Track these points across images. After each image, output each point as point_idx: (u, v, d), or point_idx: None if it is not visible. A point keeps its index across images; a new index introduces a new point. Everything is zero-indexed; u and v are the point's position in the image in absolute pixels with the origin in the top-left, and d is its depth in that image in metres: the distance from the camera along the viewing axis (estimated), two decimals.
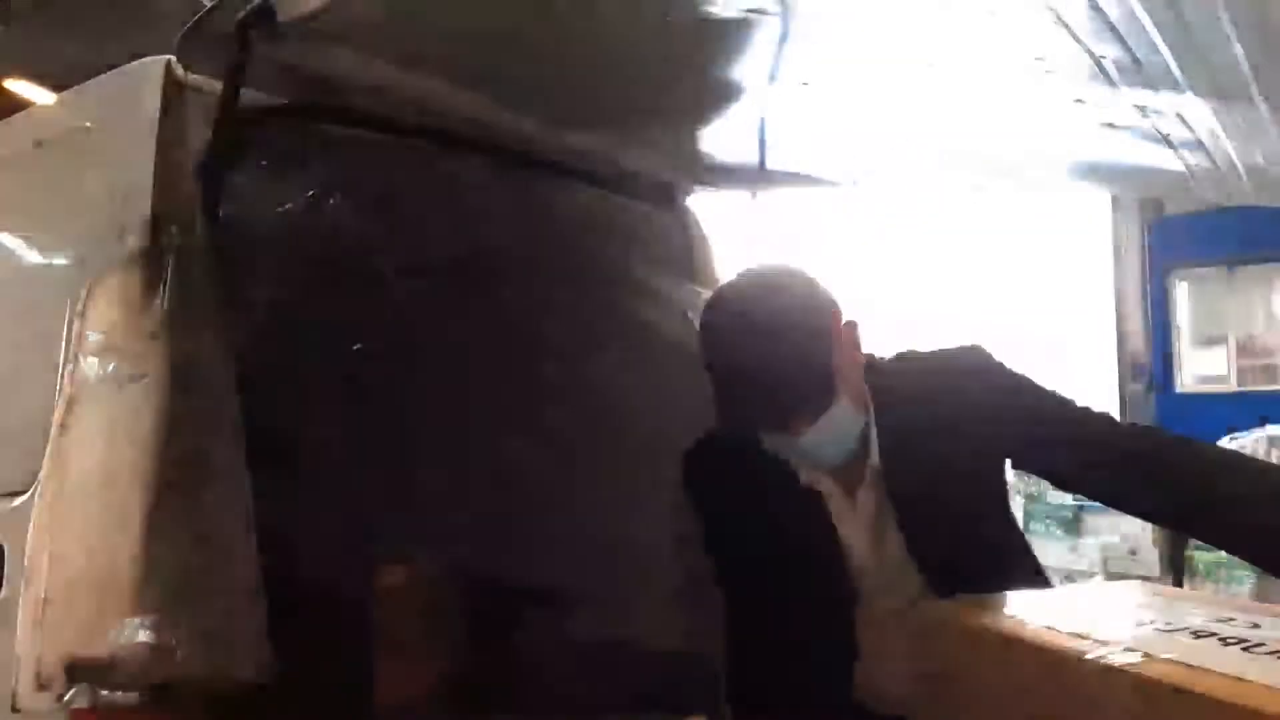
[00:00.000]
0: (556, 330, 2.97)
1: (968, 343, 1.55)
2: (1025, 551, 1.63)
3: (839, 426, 1.40)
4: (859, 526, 1.50)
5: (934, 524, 1.45)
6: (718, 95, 1.90)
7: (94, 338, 1.45)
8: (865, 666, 1.46)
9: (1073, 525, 5.61)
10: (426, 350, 3.01)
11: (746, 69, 1.78)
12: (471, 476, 3.21)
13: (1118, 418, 1.54)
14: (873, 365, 1.51)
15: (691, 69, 1.79)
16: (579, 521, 2.93)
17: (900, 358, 1.57)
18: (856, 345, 1.43)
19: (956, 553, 1.45)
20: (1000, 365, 1.53)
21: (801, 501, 1.49)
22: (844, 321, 1.42)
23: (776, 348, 1.35)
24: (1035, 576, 1.59)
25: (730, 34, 1.62)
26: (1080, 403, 1.49)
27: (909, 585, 1.46)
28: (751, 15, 1.53)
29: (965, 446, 1.45)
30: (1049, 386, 1.51)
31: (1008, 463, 1.56)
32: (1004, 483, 1.60)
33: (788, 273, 1.45)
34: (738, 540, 1.56)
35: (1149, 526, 5.37)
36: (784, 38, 1.60)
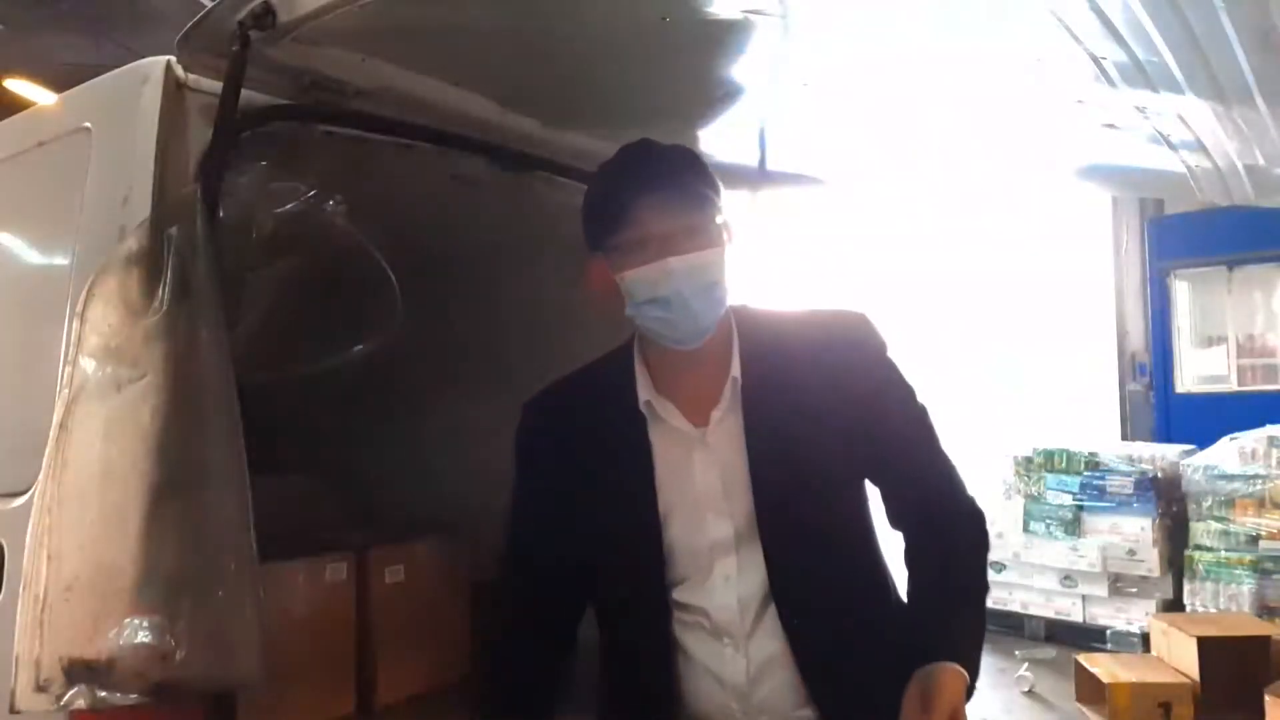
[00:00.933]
0: (553, 326, 2.98)
1: (850, 307, 1.50)
2: (878, 563, 1.52)
3: (717, 265, 1.36)
4: (708, 462, 1.42)
5: (784, 488, 1.39)
6: (718, 95, 1.90)
7: (93, 338, 1.45)
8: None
9: (1073, 525, 5.61)
10: (426, 347, 3.01)
11: (746, 69, 1.78)
12: (471, 473, 3.22)
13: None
14: (742, 308, 1.46)
15: (691, 69, 1.79)
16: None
17: (771, 307, 1.52)
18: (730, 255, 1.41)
19: (802, 534, 1.38)
20: (880, 343, 1.48)
21: (631, 434, 1.43)
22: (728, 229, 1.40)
23: (674, 157, 1.39)
24: (884, 599, 1.51)
25: (730, 34, 1.62)
26: (934, 441, 1.46)
27: (739, 545, 1.40)
28: (751, 15, 1.53)
29: (827, 418, 1.39)
30: (915, 394, 1.47)
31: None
32: (862, 485, 1.50)
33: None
34: (549, 503, 1.48)
35: (1149, 527, 5.37)
36: (784, 38, 1.60)
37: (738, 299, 1.44)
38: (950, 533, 1.43)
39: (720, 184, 1.42)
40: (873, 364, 1.46)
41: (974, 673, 1.30)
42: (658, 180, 1.36)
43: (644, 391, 1.44)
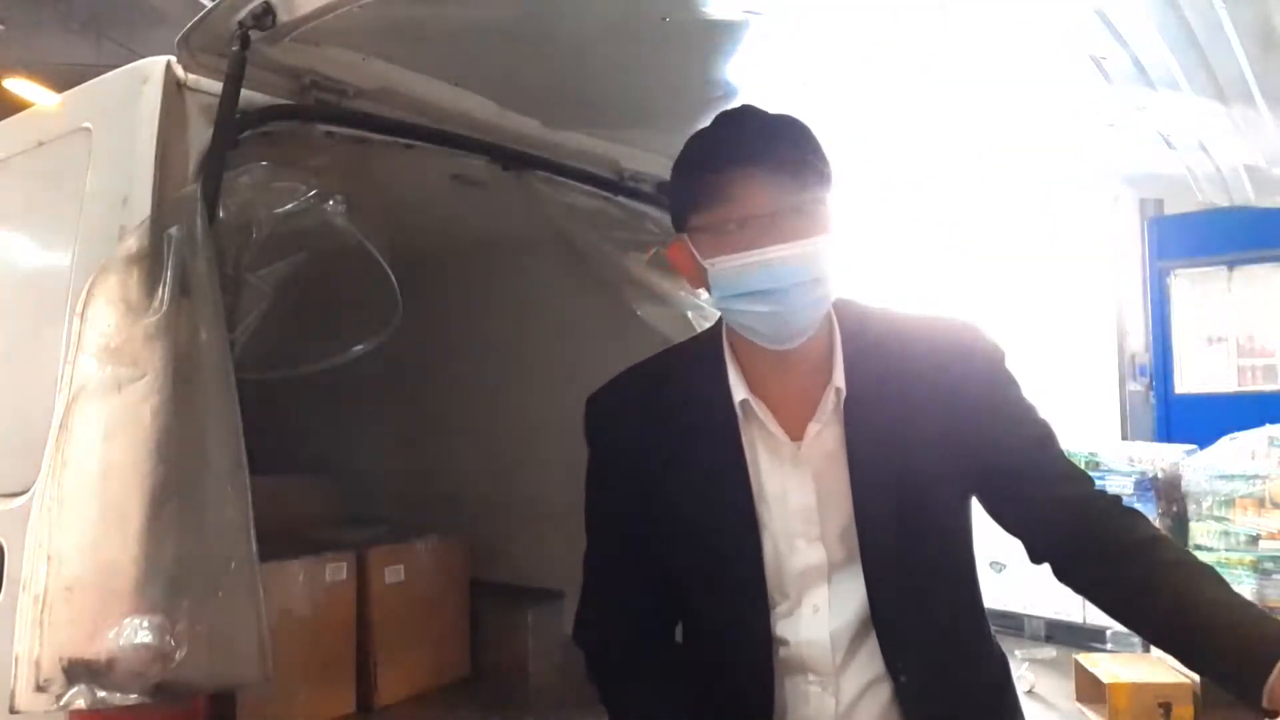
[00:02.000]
0: (553, 325, 2.98)
1: (963, 317, 1.34)
2: (979, 596, 1.37)
3: (823, 258, 1.17)
4: (803, 478, 1.25)
5: (891, 514, 1.23)
6: (717, 95, 1.89)
7: (93, 338, 1.44)
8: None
9: None
10: (426, 344, 3.01)
11: (746, 69, 1.78)
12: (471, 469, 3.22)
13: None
14: (846, 304, 1.30)
15: (691, 69, 1.79)
16: (575, 512, 2.94)
17: (870, 304, 1.34)
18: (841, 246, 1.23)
19: (908, 565, 1.24)
20: (997, 356, 1.32)
21: (725, 433, 1.25)
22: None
23: (784, 126, 1.20)
24: (986, 635, 1.37)
25: (730, 34, 1.62)
26: (1062, 455, 1.28)
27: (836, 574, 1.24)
28: (751, 15, 1.53)
29: (938, 438, 1.23)
30: (1036, 413, 1.31)
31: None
32: (969, 512, 1.33)
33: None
34: (634, 503, 1.31)
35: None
36: (784, 38, 1.60)
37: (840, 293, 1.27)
38: (1140, 533, 1.22)
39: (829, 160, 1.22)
40: (990, 380, 1.29)
41: None
42: (762, 151, 1.17)
43: (739, 389, 1.26)
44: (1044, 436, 1.30)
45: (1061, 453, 1.29)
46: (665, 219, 2.50)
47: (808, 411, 1.25)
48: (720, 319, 1.32)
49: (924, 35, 1.57)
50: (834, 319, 1.27)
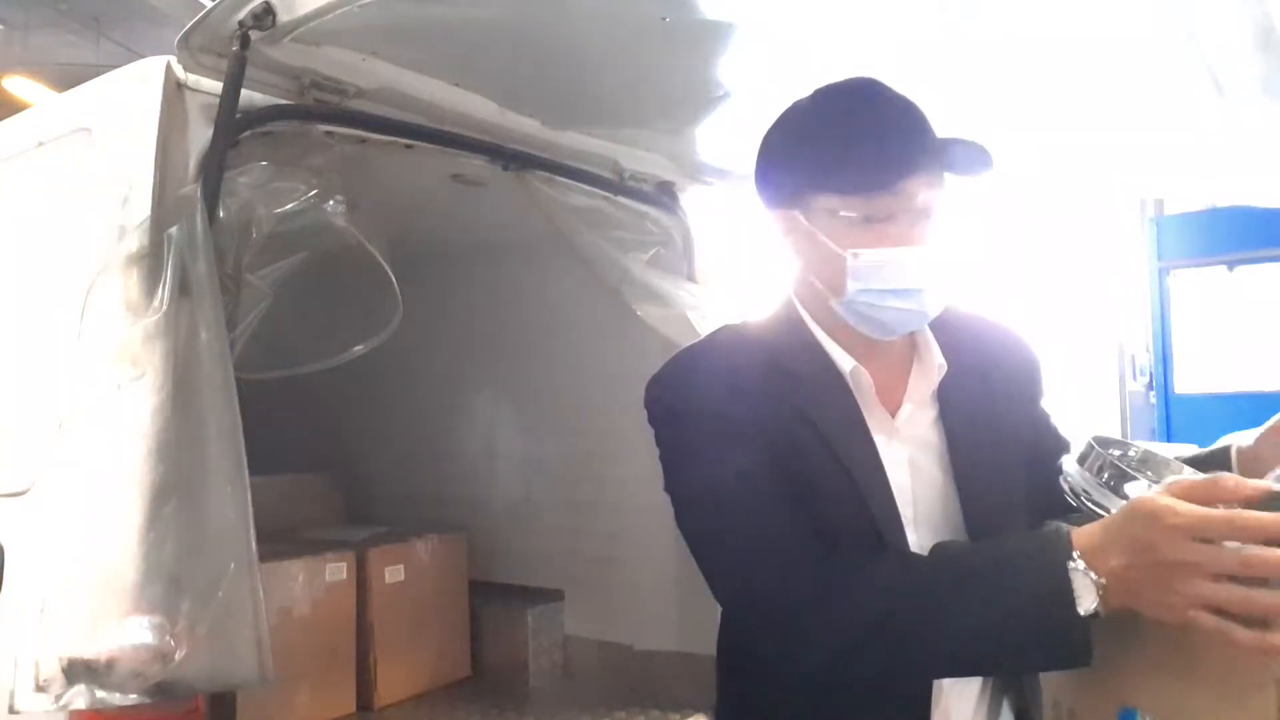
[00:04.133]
0: (558, 328, 2.98)
1: (1006, 317, 1.36)
2: None
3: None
4: (898, 457, 1.18)
5: (990, 500, 1.18)
6: (717, 95, 1.90)
7: (93, 338, 1.45)
8: None
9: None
10: (426, 346, 3.01)
11: (746, 69, 1.78)
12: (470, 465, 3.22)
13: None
14: None
15: (691, 69, 1.79)
16: (574, 511, 2.95)
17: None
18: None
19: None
20: (1041, 363, 1.38)
21: (836, 399, 1.16)
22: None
23: (914, 110, 1.13)
24: None
25: (730, 34, 1.62)
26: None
27: None
28: (751, 15, 1.53)
29: (1012, 431, 1.24)
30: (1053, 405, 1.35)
31: None
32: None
33: None
34: (762, 466, 1.12)
35: None
36: (784, 38, 1.60)
37: None
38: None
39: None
40: (1038, 385, 1.34)
41: None
42: (921, 146, 1.10)
43: (845, 359, 1.18)
44: (1060, 451, 1.29)
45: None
46: (665, 219, 2.52)
47: (898, 393, 1.21)
48: (789, 299, 1.26)
49: (924, 35, 1.57)
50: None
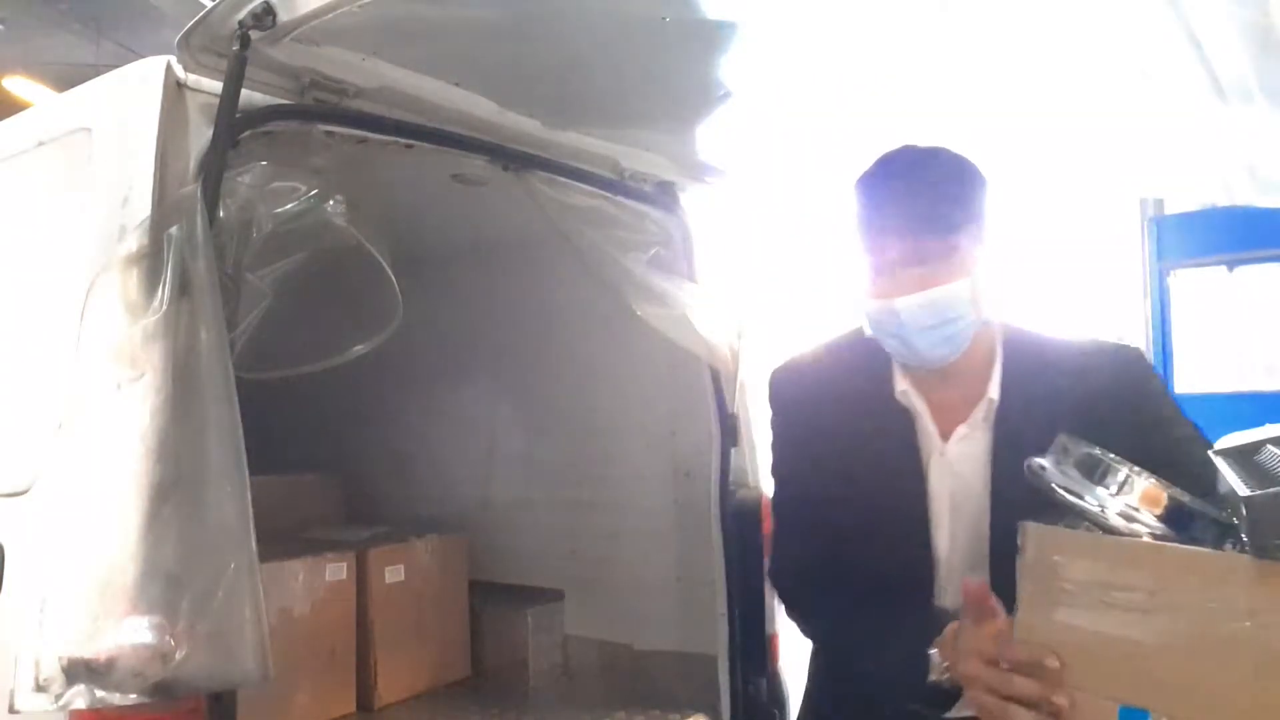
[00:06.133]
0: (557, 328, 2.98)
1: (1126, 342, 1.42)
2: None
3: (945, 304, 1.26)
4: (942, 473, 1.34)
5: (1017, 512, 1.21)
6: (718, 95, 1.90)
7: (93, 338, 1.45)
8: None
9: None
10: (426, 345, 3.01)
11: (747, 69, 1.78)
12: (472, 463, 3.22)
13: None
14: (1013, 326, 1.40)
15: (691, 69, 1.79)
16: (574, 511, 2.95)
17: (1037, 329, 1.43)
18: (993, 273, 1.32)
19: None
20: (1158, 381, 1.39)
21: (888, 416, 1.35)
22: (994, 247, 1.32)
23: (922, 175, 1.28)
24: None
25: (730, 34, 1.62)
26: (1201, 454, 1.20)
27: (964, 575, 1.26)
28: (751, 16, 1.53)
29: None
30: (1197, 438, 1.29)
31: None
32: None
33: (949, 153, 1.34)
34: (807, 464, 1.42)
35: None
36: (784, 38, 1.60)
37: (1004, 314, 1.38)
38: None
39: (982, 200, 1.31)
40: (1148, 406, 1.34)
41: None
42: (895, 206, 1.27)
43: (901, 382, 1.37)
44: (1187, 439, 1.30)
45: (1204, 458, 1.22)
46: (665, 219, 2.52)
47: (960, 417, 1.35)
48: None
49: (923, 35, 1.57)
50: (997, 337, 1.38)
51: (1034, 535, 1.05)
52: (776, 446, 1.51)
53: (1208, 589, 0.92)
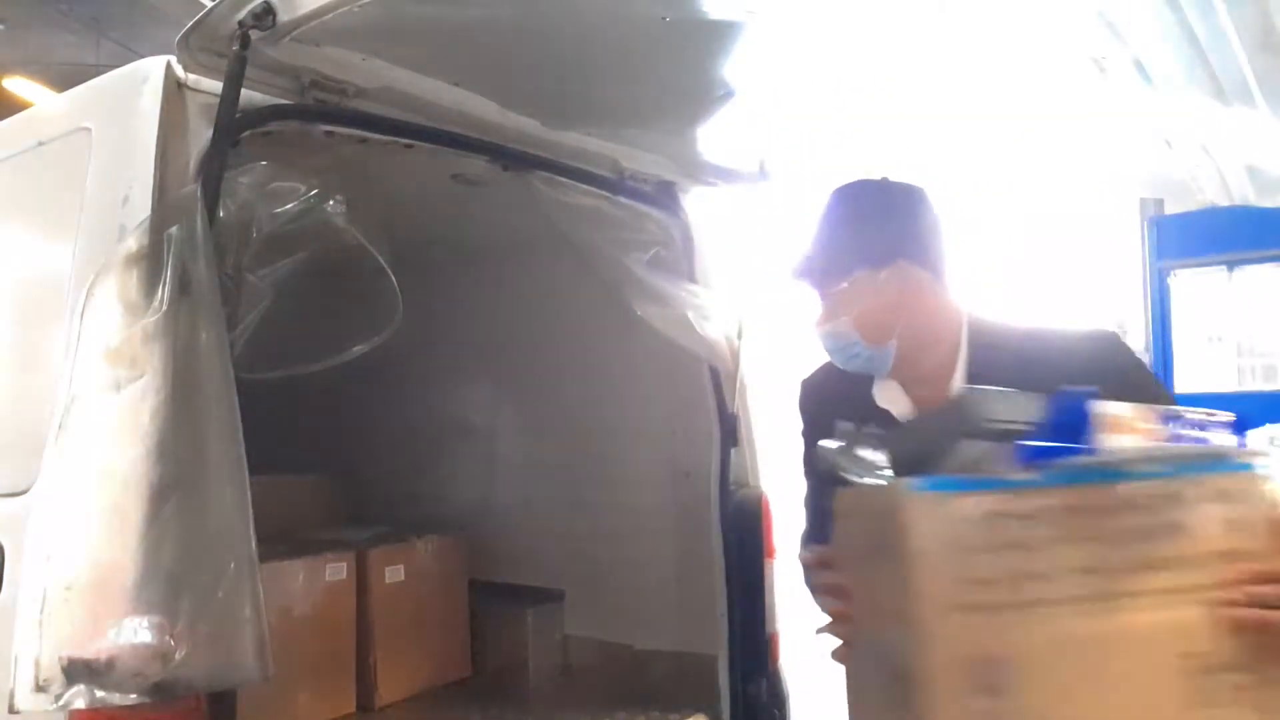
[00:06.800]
0: (557, 328, 2.98)
1: (1100, 326, 1.43)
2: None
3: (842, 335, 1.41)
4: None
5: None
6: (718, 95, 1.90)
7: (93, 338, 1.45)
8: None
9: None
10: (427, 345, 3.01)
11: (747, 69, 1.78)
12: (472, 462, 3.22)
13: None
14: (977, 321, 1.44)
15: (691, 69, 1.79)
16: (574, 511, 2.95)
17: (1011, 322, 1.47)
18: (908, 292, 1.39)
19: None
20: (1135, 361, 1.40)
21: (874, 417, 1.43)
22: (907, 268, 1.39)
23: (827, 217, 1.42)
24: None
25: (730, 34, 1.62)
26: None
27: None
28: (751, 16, 1.53)
29: None
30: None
31: None
32: None
33: (899, 188, 1.46)
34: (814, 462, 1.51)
35: None
36: (784, 38, 1.60)
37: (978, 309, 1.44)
38: None
39: (894, 233, 1.40)
40: (1123, 388, 1.31)
41: None
42: (813, 242, 1.43)
43: (881, 384, 1.48)
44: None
45: None
46: (666, 219, 2.52)
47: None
48: None
49: (923, 36, 1.57)
50: (963, 333, 1.44)
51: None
52: (803, 445, 1.61)
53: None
